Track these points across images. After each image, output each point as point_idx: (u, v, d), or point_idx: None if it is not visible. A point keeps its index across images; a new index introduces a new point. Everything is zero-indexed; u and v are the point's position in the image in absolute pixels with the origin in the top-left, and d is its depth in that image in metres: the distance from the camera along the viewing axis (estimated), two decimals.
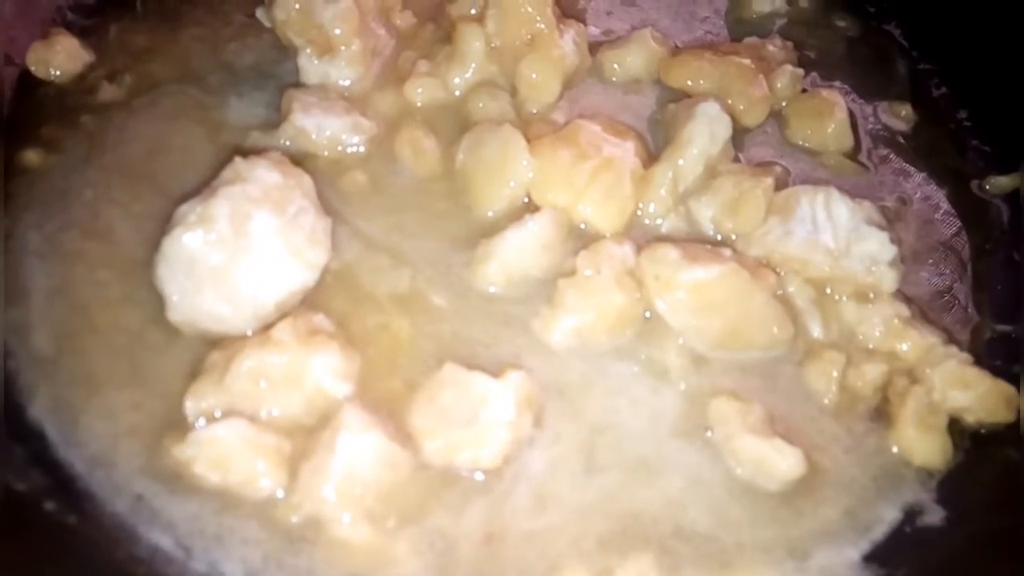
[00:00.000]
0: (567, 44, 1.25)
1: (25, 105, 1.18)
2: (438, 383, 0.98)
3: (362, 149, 1.18)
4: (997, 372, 1.06)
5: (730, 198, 1.14)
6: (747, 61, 1.29)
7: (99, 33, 1.27)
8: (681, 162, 1.15)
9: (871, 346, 1.10)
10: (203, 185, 1.03)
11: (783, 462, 0.98)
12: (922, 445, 1.03)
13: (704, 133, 1.16)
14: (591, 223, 1.13)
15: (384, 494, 0.93)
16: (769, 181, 1.15)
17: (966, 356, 1.08)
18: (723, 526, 0.96)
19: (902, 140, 1.33)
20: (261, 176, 1.01)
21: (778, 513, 0.98)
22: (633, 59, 1.31)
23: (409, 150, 1.17)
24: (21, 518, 0.88)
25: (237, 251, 0.97)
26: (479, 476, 0.96)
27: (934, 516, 1.00)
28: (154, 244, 1.00)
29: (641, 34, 1.33)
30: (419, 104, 1.22)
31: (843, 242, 1.11)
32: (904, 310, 1.11)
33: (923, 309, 1.14)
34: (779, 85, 1.30)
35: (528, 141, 1.13)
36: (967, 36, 1.35)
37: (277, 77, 1.25)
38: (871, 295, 1.11)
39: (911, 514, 1.00)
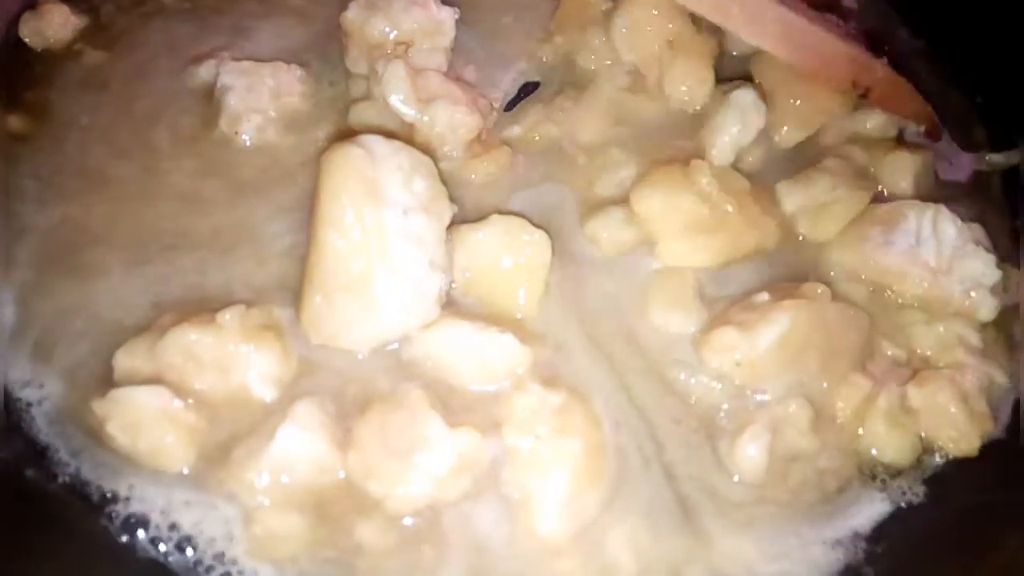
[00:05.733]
0: None
1: (13, 71, 1.20)
2: (395, 402, 0.92)
3: None
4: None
5: (822, 201, 1.10)
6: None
7: None
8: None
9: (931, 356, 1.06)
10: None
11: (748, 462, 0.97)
12: (885, 441, 1.01)
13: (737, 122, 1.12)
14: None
15: (308, 492, 0.90)
16: (866, 197, 1.10)
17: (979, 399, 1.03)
18: None
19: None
20: None
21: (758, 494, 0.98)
22: None
23: None
24: None
25: None
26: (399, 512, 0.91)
27: (915, 493, 1.00)
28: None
29: None
30: None
31: (945, 260, 1.07)
32: (977, 340, 1.06)
33: None
34: (868, 126, 1.23)
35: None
36: (962, 13, 1.30)
37: None
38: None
39: (893, 491, 1.00)
